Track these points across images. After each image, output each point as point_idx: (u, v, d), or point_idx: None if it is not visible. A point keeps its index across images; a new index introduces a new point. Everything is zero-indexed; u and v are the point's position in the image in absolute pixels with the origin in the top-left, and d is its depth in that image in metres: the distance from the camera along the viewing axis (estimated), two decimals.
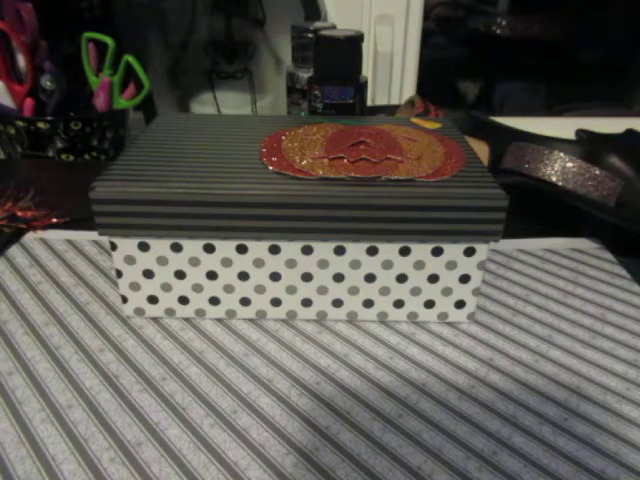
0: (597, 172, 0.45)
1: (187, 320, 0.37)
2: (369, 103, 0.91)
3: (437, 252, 0.35)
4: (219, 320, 0.37)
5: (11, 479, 0.26)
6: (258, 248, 0.35)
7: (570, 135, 0.58)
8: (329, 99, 0.50)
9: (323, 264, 0.35)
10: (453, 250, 0.35)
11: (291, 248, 0.34)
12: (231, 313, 0.37)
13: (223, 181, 0.33)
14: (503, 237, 0.49)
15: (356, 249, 0.35)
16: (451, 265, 0.35)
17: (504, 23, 1.08)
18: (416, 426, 0.30)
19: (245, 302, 0.37)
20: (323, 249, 0.35)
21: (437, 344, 0.36)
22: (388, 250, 0.35)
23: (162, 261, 0.35)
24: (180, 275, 0.36)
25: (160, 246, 0.35)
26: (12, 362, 0.33)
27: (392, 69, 0.90)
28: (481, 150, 0.53)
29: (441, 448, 0.28)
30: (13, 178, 0.59)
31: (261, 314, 0.37)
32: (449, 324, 0.38)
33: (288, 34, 0.62)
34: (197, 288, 0.36)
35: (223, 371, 0.33)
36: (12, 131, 0.67)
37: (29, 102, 0.68)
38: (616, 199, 0.45)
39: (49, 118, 0.67)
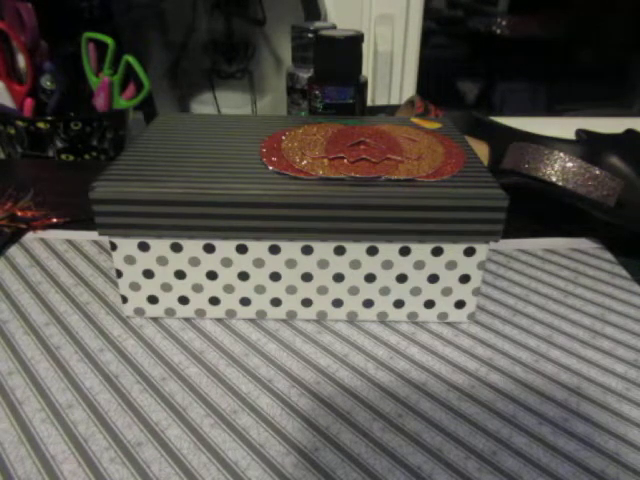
0: (597, 172, 0.45)
1: (187, 320, 0.37)
2: (369, 103, 0.91)
3: (437, 252, 0.35)
4: (219, 320, 0.37)
5: (11, 479, 0.27)
6: (258, 248, 0.35)
7: (570, 135, 0.58)
8: (329, 99, 0.50)
9: (323, 264, 0.35)
10: (453, 250, 0.35)
11: (291, 248, 0.34)
12: (231, 313, 0.37)
13: (223, 181, 0.33)
14: (503, 237, 0.49)
15: (356, 249, 0.35)
16: (451, 265, 0.35)
17: (504, 23, 1.08)
18: (416, 426, 0.30)
19: (245, 302, 0.37)
20: (323, 249, 0.35)
21: (437, 344, 0.36)
22: (388, 250, 0.35)
23: (162, 261, 0.35)
24: (180, 275, 0.36)
25: (160, 246, 0.35)
26: (12, 362, 0.33)
27: (392, 69, 0.90)
28: (481, 150, 0.53)
29: (441, 448, 0.28)
30: (13, 178, 0.59)
31: (261, 314, 0.37)
32: (449, 324, 0.38)
33: (288, 34, 0.62)
34: (197, 288, 0.36)
35: (223, 371, 0.33)
36: (12, 131, 0.67)
37: (29, 102, 0.68)
38: (616, 199, 0.45)
39: (49, 118, 0.67)
